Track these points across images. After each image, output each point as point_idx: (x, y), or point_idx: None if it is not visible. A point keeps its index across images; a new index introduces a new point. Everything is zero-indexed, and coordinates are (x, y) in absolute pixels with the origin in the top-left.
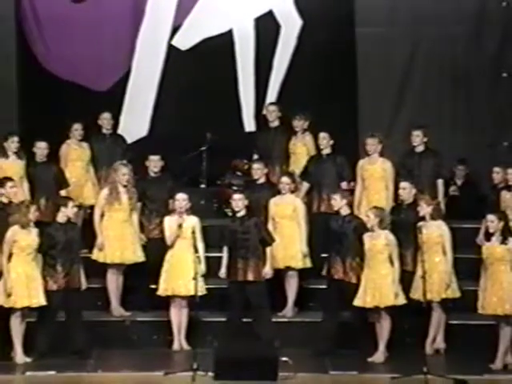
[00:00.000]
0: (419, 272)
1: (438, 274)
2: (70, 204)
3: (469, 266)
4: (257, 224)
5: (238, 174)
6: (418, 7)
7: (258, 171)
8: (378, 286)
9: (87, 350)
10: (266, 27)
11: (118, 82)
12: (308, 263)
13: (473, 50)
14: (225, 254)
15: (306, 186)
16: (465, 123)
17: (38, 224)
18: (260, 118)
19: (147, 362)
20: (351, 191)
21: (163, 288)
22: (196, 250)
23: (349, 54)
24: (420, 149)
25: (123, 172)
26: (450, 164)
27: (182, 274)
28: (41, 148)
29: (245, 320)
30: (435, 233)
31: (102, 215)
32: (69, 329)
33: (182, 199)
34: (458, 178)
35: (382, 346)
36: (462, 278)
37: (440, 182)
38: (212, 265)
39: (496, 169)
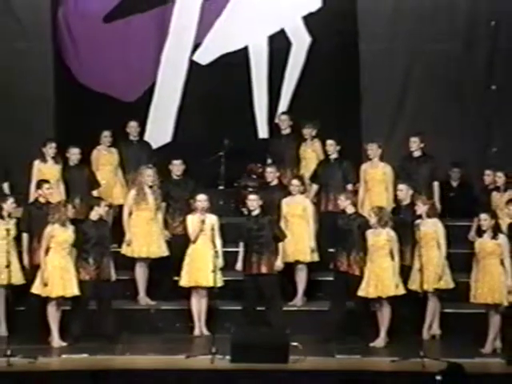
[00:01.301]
0: (416, 265)
1: (433, 267)
2: (102, 203)
3: (462, 260)
4: (270, 222)
5: (253, 176)
6: (415, 25)
7: (271, 174)
8: (379, 278)
9: (116, 335)
10: (279, 44)
11: (145, 94)
12: (316, 257)
13: (465, 65)
14: (241, 249)
15: (314, 187)
16: (457, 131)
17: (72, 221)
18: (273, 126)
19: (170, 347)
20: (355, 192)
21: (185, 280)
22: (214, 246)
23: (353, 68)
24: (417, 154)
25: (149, 174)
26: (446, 167)
27: (202, 267)
28: (74, 153)
29: (258, 309)
30: (431, 229)
31: (130, 214)
32: (100, 316)
33: (202, 199)
34: (454, 180)
35: (382, 333)
36: (456, 271)
37: (436, 183)
38: (229, 259)
39: (487, 172)
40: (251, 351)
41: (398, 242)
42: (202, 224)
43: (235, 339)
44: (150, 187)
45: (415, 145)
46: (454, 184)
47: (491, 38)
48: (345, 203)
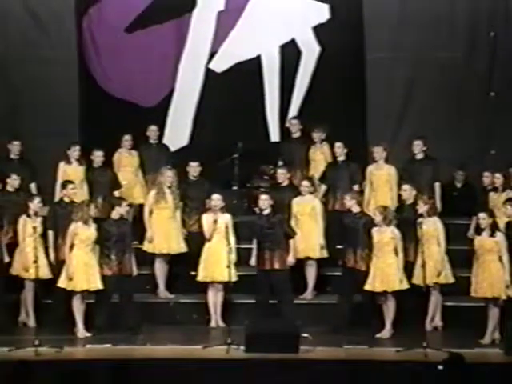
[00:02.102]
0: (419, 261)
1: (433, 263)
2: (122, 203)
3: (463, 257)
4: (280, 220)
5: (265, 177)
6: (418, 35)
7: (282, 175)
8: (385, 273)
9: (137, 326)
10: (290, 53)
11: (163, 100)
12: (325, 253)
13: (465, 73)
14: (254, 246)
15: (323, 187)
16: (458, 134)
17: (95, 220)
18: (284, 129)
19: (188, 337)
20: (361, 192)
21: (202, 275)
22: (228, 242)
23: (359, 76)
24: (420, 156)
25: (168, 175)
26: (448, 169)
27: (218, 262)
28: (98, 156)
29: (271, 302)
30: (431, 227)
31: (151, 212)
32: (122, 309)
33: (216, 199)
34: (458, 181)
35: (388, 324)
36: (457, 267)
37: (437, 184)
38: (242, 255)
39: (485, 173)
40: (264, 341)
41: (401, 240)
42: (215, 223)
43: (249, 330)
44: (169, 187)
45: (418, 148)
46: (458, 185)
47: (490, 47)
48: (350, 203)
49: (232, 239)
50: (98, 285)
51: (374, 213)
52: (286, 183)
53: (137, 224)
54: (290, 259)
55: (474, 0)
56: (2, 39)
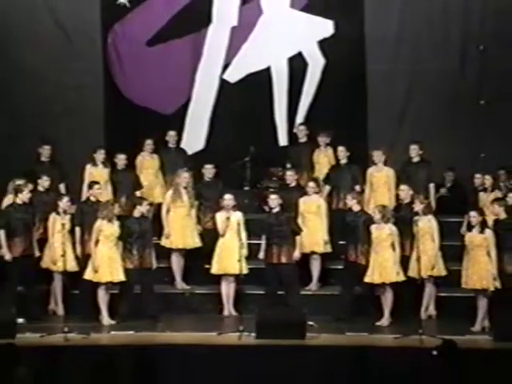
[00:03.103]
0: (414, 256)
1: (427, 257)
2: (143, 203)
3: (455, 251)
4: (288, 218)
5: (274, 179)
6: (415, 49)
7: (290, 177)
8: (383, 266)
9: (157, 315)
10: (297, 65)
11: (181, 107)
12: (329, 248)
13: (458, 83)
14: (263, 242)
15: (327, 188)
16: (451, 139)
17: (119, 217)
18: (291, 135)
19: (203, 325)
20: (362, 192)
21: (216, 268)
22: (240, 238)
23: (361, 86)
24: (416, 159)
25: (184, 177)
26: (441, 171)
27: (230, 256)
28: (121, 159)
29: (279, 293)
30: (426, 225)
31: (168, 211)
32: (143, 299)
33: (229, 198)
34: (448, 182)
35: (386, 313)
36: (450, 260)
37: (431, 185)
38: (253, 249)
39: (477, 175)
40: (273, 329)
41: (398, 236)
42: (228, 220)
43: (259, 318)
44: (185, 188)
45: (414, 152)
46: (448, 185)
47: (480, 59)
48: (351, 202)
49: (243, 235)
50: (121, 277)
51: (373, 211)
52: (293, 184)
53: (156, 222)
54: (296, 254)
55: (465, 18)
56: (34, 51)
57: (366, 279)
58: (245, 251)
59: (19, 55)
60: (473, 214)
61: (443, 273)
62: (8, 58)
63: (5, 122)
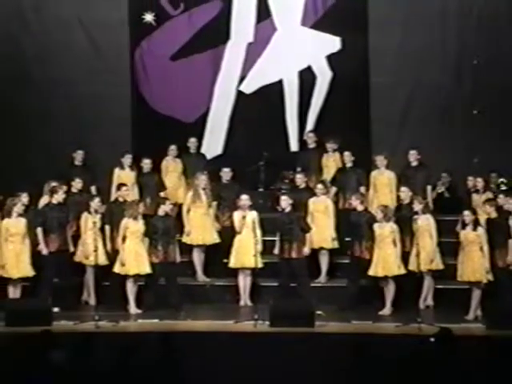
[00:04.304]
0: (414, 251)
1: (426, 252)
2: (166, 202)
3: (451, 247)
4: (298, 217)
5: (286, 181)
6: (415, 62)
7: (300, 179)
8: (385, 261)
9: (180, 305)
10: (307, 77)
11: (202, 116)
12: (336, 244)
13: (454, 94)
14: (278, 238)
15: (334, 189)
16: (447, 145)
17: (145, 216)
18: (302, 141)
19: (222, 314)
20: (367, 190)
21: (233, 262)
22: (255, 235)
23: (365, 96)
24: (415, 164)
25: (203, 179)
26: (438, 173)
27: (246, 251)
28: (147, 163)
29: (291, 285)
30: (425, 223)
31: (189, 210)
32: (167, 290)
33: (245, 199)
34: (443, 184)
35: (388, 303)
36: (446, 255)
37: (429, 187)
38: (267, 245)
39: (469, 178)
40: (286, 318)
41: (399, 233)
42: (244, 219)
43: (273, 308)
44: (204, 189)
45: (413, 156)
46: (443, 187)
47: (474, 72)
48: (355, 202)
49: (258, 232)
50: (146, 270)
51: (376, 211)
52: (303, 186)
53: (179, 220)
54: (306, 250)
55: (461, 34)
56: (69, 65)
57: (370, 272)
58: (259, 247)
59: (57, 69)
60: (466, 213)
61: (440, 267)
62: (47, 71)
63: (44, 129)
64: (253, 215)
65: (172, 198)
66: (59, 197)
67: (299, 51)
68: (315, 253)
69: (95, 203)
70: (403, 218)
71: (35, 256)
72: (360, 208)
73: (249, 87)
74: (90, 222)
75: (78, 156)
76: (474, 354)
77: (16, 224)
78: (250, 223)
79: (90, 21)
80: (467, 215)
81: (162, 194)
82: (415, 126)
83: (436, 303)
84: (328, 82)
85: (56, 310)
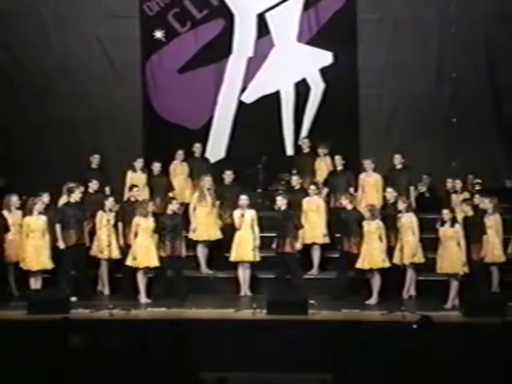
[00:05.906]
0: (398, 246)
1: (409, 247)
2: (174, 202)
3: (431, 242)
4: (292, 216)
5: (282, 183)
6: (399, 76)
7: (295, 181)
8: (371, 255)
9: (186, 295)
10: (302, 88)
11: (206, 124)
12: (327, 240)
13: (434, 103)
14: (275, 235)
15: (325, 190)
16: (428, 150)
17: (154, 214)
18: (297, 146)
19: (223, 303)
20: (356, 191)
21: (233, 256)
22: (253, 232)
23: (354, 106)
24: (399, 166)
25: (207, 180)
26: (420, 176)
27: (246, 246)
28: (156, 166)
29: (287, 277)
30: (408, 220)
31: (195, 209)
32: (174, 281)
33: (244, 199)
34: (424, 185)
35: (374, 294)
36: (427, 250)
37: (412, 188)
38: (264, 241)
39: (449, 179)
40: (281, 306)
41: (384, 230)
42: (243, 216)
43: (270, 298)
44: (208, 190)
45: (398, 160)
46: (425, 188)
47: (453, 84)
48: (345, 202)
49: (256, 229)
50: (155, 263)
51: (364, 210)
52: (298, 187)
53: (185, 218)
54: (298, 245)
55: (441, 50)
56: (86, 78)
57: (358, 265)
58: (257, 242)
59: (77, 83)
60: (445, 211)
61: (422, 260)
62: (69, 85)
63: (65, 137)
64: (251, 213)
65: (179, 198)
66: (76, 196)
67: (295, 65)
68: (308, 248)
69: (109, 202)
70: (388, 216)
71: (55, 250)
72: (349, 207)
73: (249, 97)
74: (104, 220)
75: (95, 160)
76: (451, 338)
77: (36, 221)
78: (248, 221)
79: (106, 38)
80: (446, 213)
81: (170, 195)
82: (399, 133)
83: (418, 293)
84: (321, 93)
85: (73, 299)
